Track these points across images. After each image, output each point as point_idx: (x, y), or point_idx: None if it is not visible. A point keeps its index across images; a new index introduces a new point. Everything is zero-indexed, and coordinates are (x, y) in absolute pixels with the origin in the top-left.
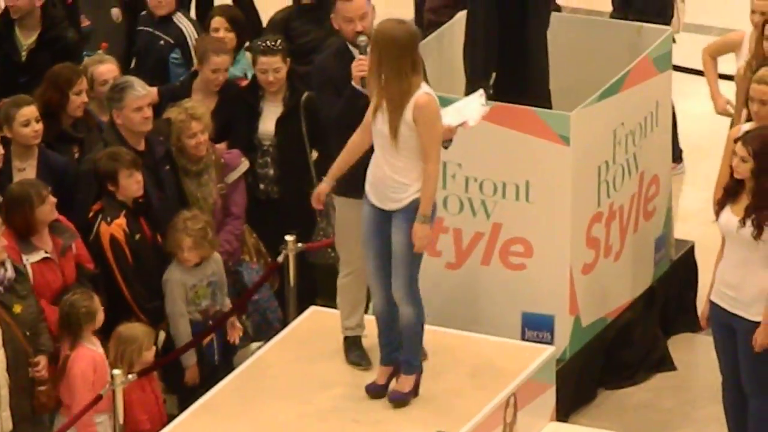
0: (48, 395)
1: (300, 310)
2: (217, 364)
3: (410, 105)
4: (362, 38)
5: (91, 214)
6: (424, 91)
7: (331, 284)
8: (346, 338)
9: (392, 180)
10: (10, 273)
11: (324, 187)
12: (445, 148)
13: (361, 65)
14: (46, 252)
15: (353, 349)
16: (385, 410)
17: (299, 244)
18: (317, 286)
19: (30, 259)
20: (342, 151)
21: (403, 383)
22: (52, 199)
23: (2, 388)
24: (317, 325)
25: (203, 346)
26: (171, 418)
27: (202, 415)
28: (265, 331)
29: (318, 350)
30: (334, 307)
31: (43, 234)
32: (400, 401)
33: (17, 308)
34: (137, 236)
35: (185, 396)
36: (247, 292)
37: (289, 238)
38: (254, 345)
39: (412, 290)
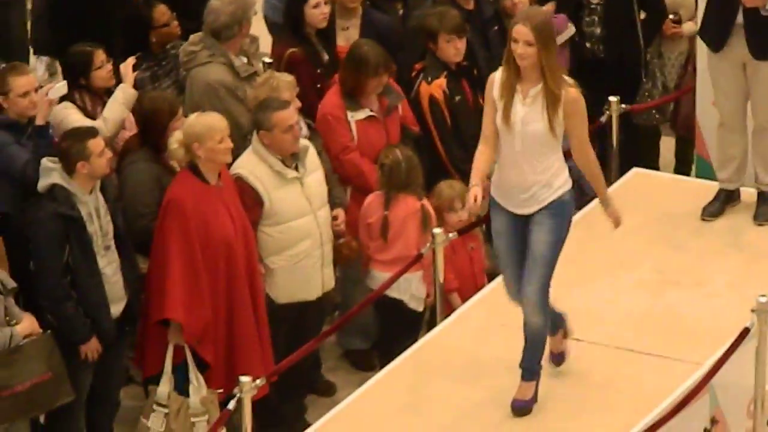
0: (349, 247)
1: (622, 172)
2: None
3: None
4: None
5: (413, 73)
6: (569, 83)
7: (654, 146)
8: (720, 190)
9: (537, 183)
10: (305, 131)
11: (478, 189)
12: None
13: None
14: (371, 111)
15: (718, 203)
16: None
17: (622, 105)
18: (640, 147)
19: (355, 117)
20: (476, 164)
21: (524, 390)
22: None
23: (325, 245)
24: (639, 188)
25: None
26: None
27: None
28: (577, 199)
29: (641, 214)
30: (656, 169)
31: (371, 94)
32: (522, 410)
33: None
34: (457, 98)
35: None
36: None
37: (612, 98)
38: None
39: (544, 297)
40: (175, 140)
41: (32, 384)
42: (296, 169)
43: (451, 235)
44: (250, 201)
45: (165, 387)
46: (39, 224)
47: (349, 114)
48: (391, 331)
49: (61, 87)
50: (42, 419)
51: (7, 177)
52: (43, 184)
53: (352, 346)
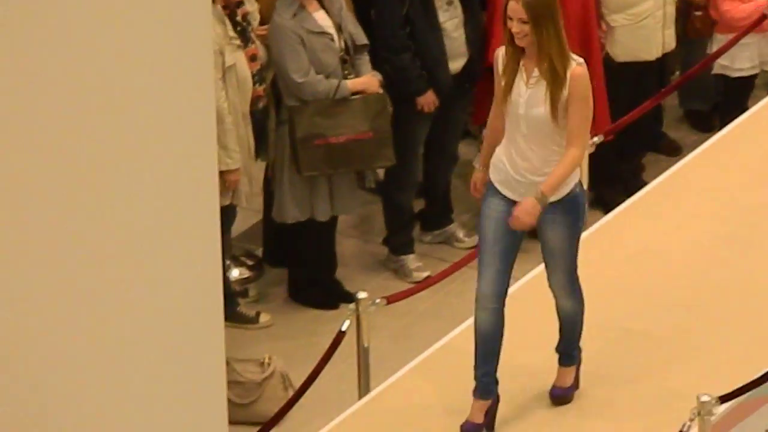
0: (702, 21)
1: None
2: None
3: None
4: None
5: None
6: (577, 61)
7: None
8: None
9: (543, 172)
10: None
11: (480, 175)
12: None
13: None
14: None
15: None
16: None
17: None
18: None
19: None
20: (483, 146)
21: (563, 377)
22: None
23: (668, 6)
24: None
25: None
26: None
27: None
28: None
29: None
30: None
31: None
32: (562, 398)
33: None
34: None
35: None
36: None
37: None
38: None
39: (573, 281)
40: None
41: (348, 139)
42: None
43: None
44: None
45: None
46: None
47: None
48: (729, 93)
49: None
50: (381, 174)
51: None
52: None
53: (693, 107)
